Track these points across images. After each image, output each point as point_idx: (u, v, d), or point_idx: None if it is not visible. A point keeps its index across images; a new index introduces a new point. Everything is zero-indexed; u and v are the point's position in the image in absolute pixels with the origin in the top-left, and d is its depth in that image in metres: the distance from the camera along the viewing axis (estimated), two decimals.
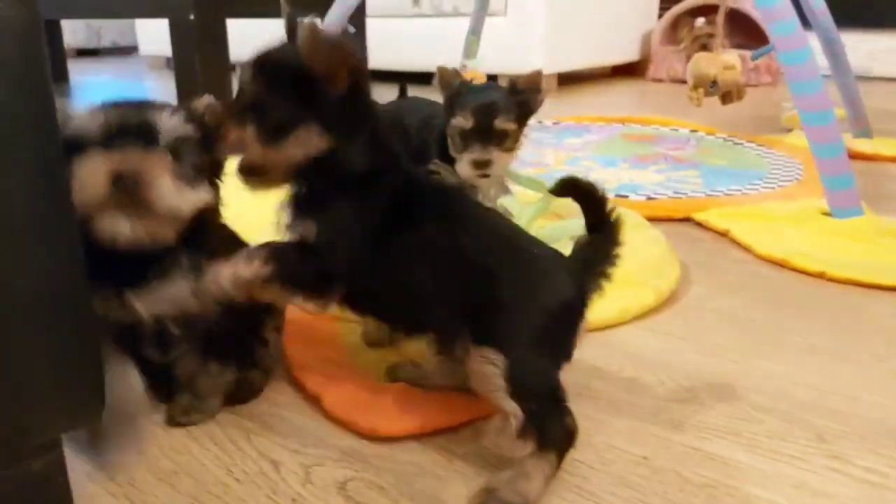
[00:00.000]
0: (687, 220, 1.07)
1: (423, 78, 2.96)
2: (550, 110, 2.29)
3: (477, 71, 1.93)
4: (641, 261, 0.80)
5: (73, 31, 4.86)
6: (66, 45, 4.89)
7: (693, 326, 0.73)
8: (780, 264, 0.89)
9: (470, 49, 1.93)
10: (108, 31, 4.99)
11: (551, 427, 0.48)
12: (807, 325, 0.73)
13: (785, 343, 0.70)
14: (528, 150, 1.55)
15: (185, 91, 1.84)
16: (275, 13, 2.01)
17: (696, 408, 0.58)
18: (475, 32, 1.92)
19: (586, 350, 0.67)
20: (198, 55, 1.75)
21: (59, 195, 0.41)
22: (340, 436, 0.55)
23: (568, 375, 0.50)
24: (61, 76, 3.19)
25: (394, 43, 2.94)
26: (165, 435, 0.55)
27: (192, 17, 1.70)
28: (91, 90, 3.01)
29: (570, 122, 1.94)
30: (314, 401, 0.59)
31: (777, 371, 0.64)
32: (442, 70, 0.90)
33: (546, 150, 1.56)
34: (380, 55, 2.92)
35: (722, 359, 0.66)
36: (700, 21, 3.07)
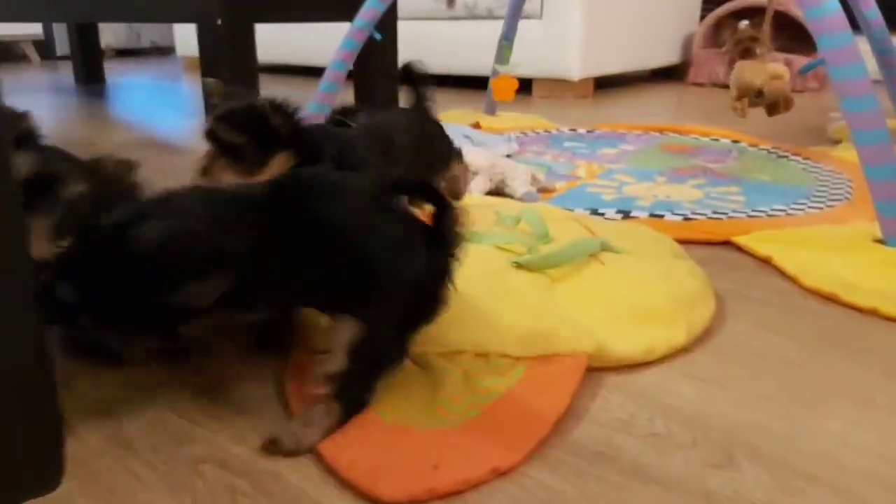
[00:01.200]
0: (726, 243, 1.01)
1: (457, 81, 2.92)
2: (585, 116, 2.22)
3: (509, 77, 1.88)
4: (673, 294, 0.74)
5: (114, 33, 4.93)
6: (106, 46, 4.95)
7: (731, 371, 0.67)
8: (829, 298, 0.82)
9: (502, 55, 1.87)
10: (147, 32, 5.06)
11: (355, 388, 0.55)
12: (859, 373, 0.67)
13: (835, 394, 0.63)
14: (560, 161, 1.49)
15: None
16: (301, 18, 1.96)
17: (732, 475, 0.52)
18: (508, 38, 1.86)
19: (612, 396, 0.62)
20: (225, 60, 1.72)
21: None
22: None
23: (591, 428, 0.45)
24: (97, 77, 3.21)
25: (426, 46, 2.89)
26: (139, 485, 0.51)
27: (219, 22, 1.67)
28: (127, 91, 3.01)
29: (605, 130, 1.87)
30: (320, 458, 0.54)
31: (827, 429, 0.58)
32: None
33: (579, 161, 1.50)
34: (412, 58, 2.88)
35: (764, 412, 0.60)
36: (744, 23, 2.97)
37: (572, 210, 1.12)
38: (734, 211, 1.12)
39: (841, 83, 0.93)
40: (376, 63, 1.98)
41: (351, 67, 1.37)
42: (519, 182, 1.19)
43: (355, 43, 1.35)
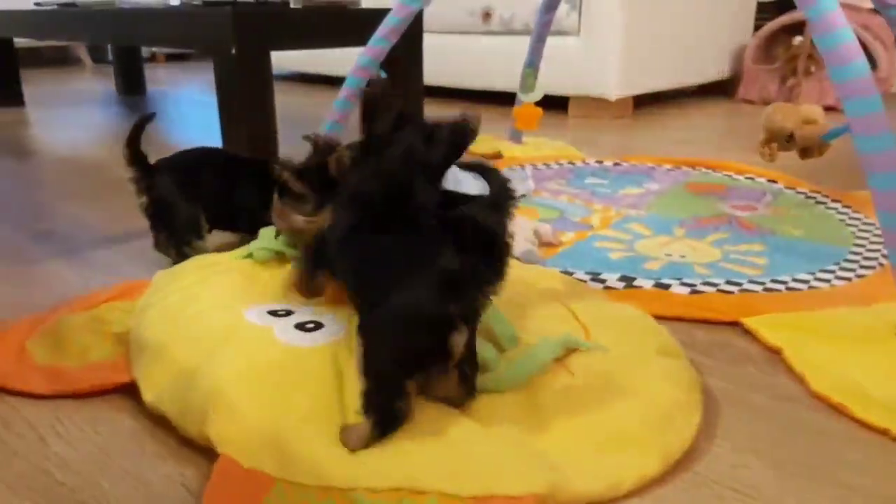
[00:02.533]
0: (735, 323, 0.92)
1: (491, 98, 2.84)
2: (619, 142, 2.12)
3: (533, 106, 1.80)
4: (647, 408, 0.66)
5: None
6: (157, 51, 5.01)
7: None
8: (837, 409, 0.73)
9: (526, 82, 1.79)
10: None
11: (374, 403, 0.61)
12: None
13: None
14: (577, 203, 1.41)
15: (227, 120, 1.79)
16: (315, 44, 1.90)
17: None
18: (532, 65, 1.78)
19: None
20: (240, 87, 1.69)
21: None
22: None
23: None
24: (137, 89, 3.24)
25: (460, 61, 2.82)
26: None
27: (233, 51, 1.64)
28: (166, 103, 3.03)
29: (632, 164, 1.77)
30: None
31: None
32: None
33: (596, 205, 1.42)
34: (446, 73, 2.82)
35: None
36: (798, 39, 2.82)
37: (572, 273, 1.05)
38: (751, 281, 1.03)
39: (868, 156, 0.83)
40: (401, 79, 1.92)
41: (355, 105, 1.31)
42: (518, 238, 1.12)
43: (359, 81, 1.29)
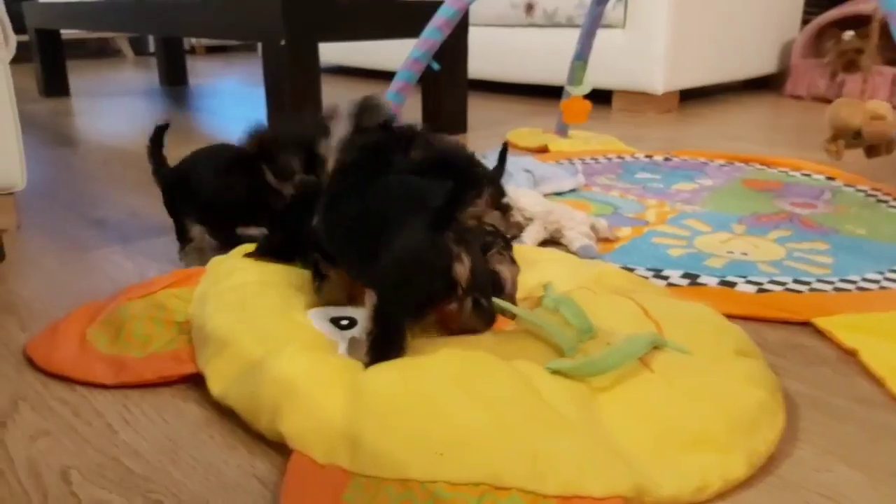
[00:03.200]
0: (806, 323, 0.89)
1: (533, 91, 2.81)
2: (666, 136, 2.09)
3: (582, 99, 1.77)
4: (731, 413, 0.63)
5: None
6: (197, 43, 5.06)
7: None
8: None
9: (575, 75, 1.77)
10: None
11: (376, 342, 0.66)
12: None
13: None
14: (629, 198, 1.38)
15: (275, 111, 1.79)
16: (365, 35, 1.90)
17: None
18: (581, 58, 1.76)
19: None
20: (288, 78, 1.69)
21: None
22: None
23: None
24: (180, 80, 3.27)
25: (502, 54, 2.80)
26: None
27: (283, 42, 1.64)
28: (208, 95, 3.05)
29: (683, 158, 1.74)
30: None
31: None
32: None
33: (649, 200, 1.39)
34: (489, 66, 2.79)
35: None
36: (849, 34, 2.74)
37: (633, 269, 1.02)
38: (819, 280, 1.00)
39: None
40: (445, 72, 1.91)
41: (406, 98, 1.30)
42: (575, 233, 1.10)
43: (412, 74, 1.28)
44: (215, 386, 0.69)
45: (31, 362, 0.79)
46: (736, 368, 0.68)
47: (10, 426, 0.68)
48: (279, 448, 0.63)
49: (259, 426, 0.65)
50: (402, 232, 0.64)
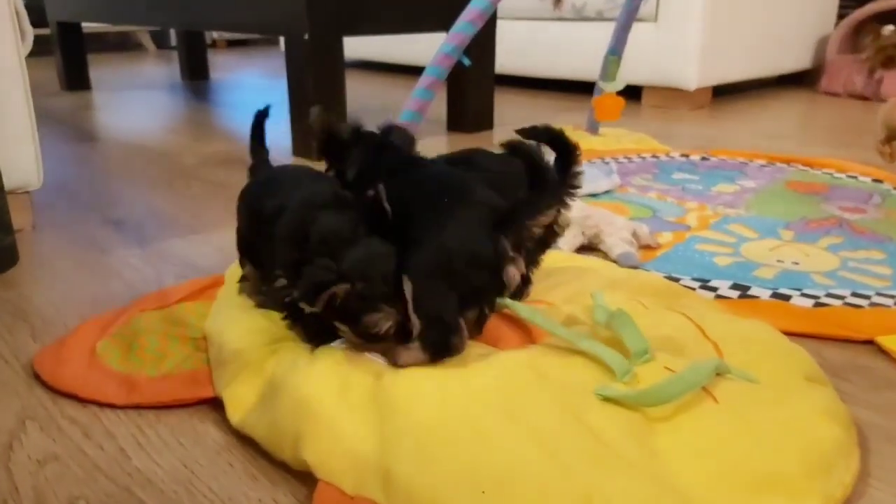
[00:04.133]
0: (869, 342, 0.82)
1: (562, 86, 2.74)
2: (700, 134, 2.01)
3: (615, 96, 1.70)
4: (806, 452, 0.57)
5: None
6: (218, 37, 5.04)
7: None
8: None
9: (608, 70, 1.70)
10: None
11: (431, 336, 0.62)
12: None
13: None
14: (668, 200, 1.32)
15: (297, 105, 1.74)
16: (392, 29, 1.84)
17: None
18: (615, 52, 1.69)
19: None
20: (310, 73, 1.64)
21: None
22: None
23: None
24: (202, 74, 3.24)
25: (530, 48, 2.73)
26: None
27: (306, 36, 1.59)
28: (229, 89, 3.02)
29: (721, 158, 1.67)
30: None
31: None
32: None
33: (689, 202, 1.32)
34: (516, 60, 2.73)
35: None
36: (889, 29, 2.64)
37: (678, 279, 0.96)
38: (878, 293, 0.93)
39: None
40: (472, 67, 1.85)
41: (436, 95, 1.24)
42: (615, 239, 1.04)
43: (442, 70, 1.22)
44: (235, 414, 0.64)
45: (37, 377, 0.74)
46: (809, 399, 0.62)
47: (16, 449, 0.64)
48: (304, 478, 0.58)
49: (282, 455, 0.60)
50: (453, 223, 0.64)
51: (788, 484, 0.54)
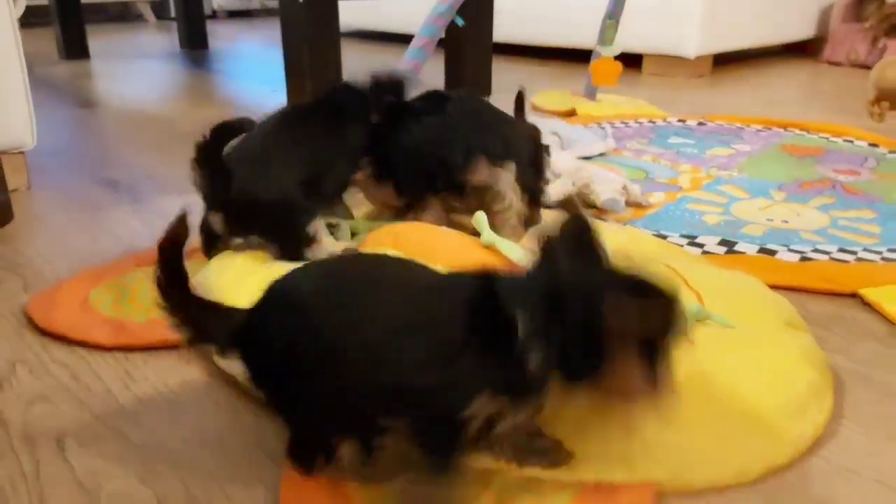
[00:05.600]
0: (853, 295, 0.83)
1: (561, 54, 2.72)
2: (699, 101, 2.00)
3: (612, 60, 1.70)
4: (783, 391, 0.58)
5: None
6: (218, 7, 5.01)
7: None
8: None
9: (606, 35, 1.69)
10: None
11: None
12: None
13: None
14: (662, 163, 1.32)
15: (292, 74, 1.74)
16: None
17: None
18: (613, 16, 1.68)
19: None
20: (306, 39, 1.64)
21: None
22: None
23: None
24: (201, 43, 3.22)
25: (528, 13, 2.71)
26: None
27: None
28: (229, 58, 3.00)
29: (718, 123, 1.66)
30: None
31: None
32: None
33: (683, 165, 1.32)
34: (513, 28, 2.71)
35: None
36: None
37: (666, 236, 0.97)
38: (866, 249, 0.93)
39: None
40: (469, 32, 1.84)
41: (430, 56, 1.24)
42: (604, 187, 1.04)
43: (435, 30, 1.21)
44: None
45: (31, 322, 0.75)
46: (786, 343, 0.62)
47: (6, 389, 0.65)
48: None
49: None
50: None
51: (764, 427, 0.55)
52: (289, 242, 0.77)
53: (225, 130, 0.75)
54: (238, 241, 0.80)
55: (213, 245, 0.80)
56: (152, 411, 0.62)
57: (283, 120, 0.84)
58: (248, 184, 0.75)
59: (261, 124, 0.81)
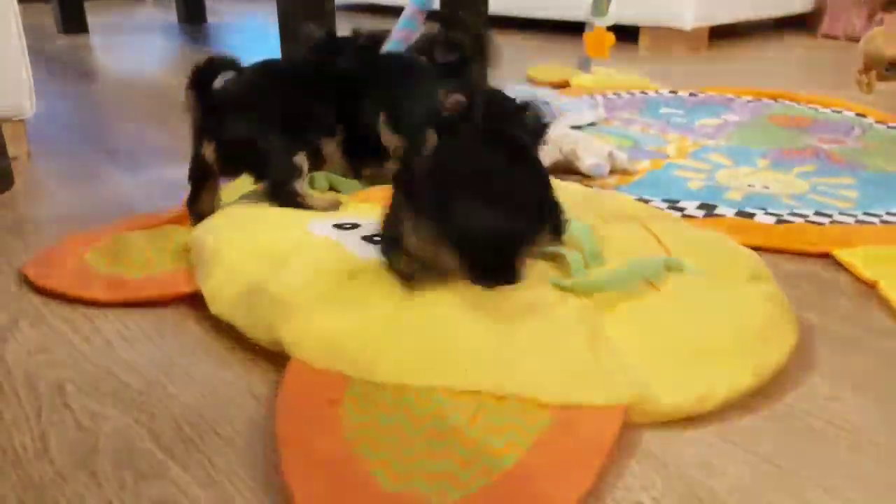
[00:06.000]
0: (826, 255, 0.85)
1: (555, 28, 2.72)
2: (695, 74, 2.02)
3: (605, 31, 1.71)
4: (740, 325, 0.61)
5: None
6: None
7: (796, 447, 0.54)
8: None
9: (599, 5, 1.70)
10: None
11: None
12: None
13: None
14: (650, 133, 1.34)
15: (287, 48, 1.75)
16: None
17: None
18: None
19: (640, 469, 0.51)
20: (301, 10, 1.65)
21: None
22: None
23: None
24: (198, 18, 3.22)
25: None
26: None
27: None
28: (228, 31, 3.01)
29: (709, 94, 1.68)
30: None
31: None
32: None
33: (671, 134, 1.34)
34: (511, 1, 2.71)
35: None
36: None
37: (648, 201, 0.99)
38: (841, 213, 0.96)
39: None
40: (464, 5, 1.85)
41: (420, 25, 1.25)
42: (589, 153, 1.06)
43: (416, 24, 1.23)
44: (214, 304, 0.68)
45: (27, 280, 0.78)
46: (748, 289, 0.66)
47: (9, 341, 0.68)
48: (276, 363, 0.62)
49: (259, 339, 0.64)
50: None
51: (721, 351, 0.59)
52: (278, 175, 0.81)
53: (217, 64, 0.80)
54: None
55: (204, 181, 0.84)
56: (148, 360, 0.65)
57: (272, 69, 0.90)
58: (239, 119, 0.79)
59: (250, 69, 0.88)
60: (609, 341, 0.59)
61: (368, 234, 0.73)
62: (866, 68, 1.31)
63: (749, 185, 1.06)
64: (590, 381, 0.54)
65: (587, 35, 1.73)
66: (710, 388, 0.56)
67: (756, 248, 0.84)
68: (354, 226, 0.75)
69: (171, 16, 3.53)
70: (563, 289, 0.64)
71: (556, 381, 0.55)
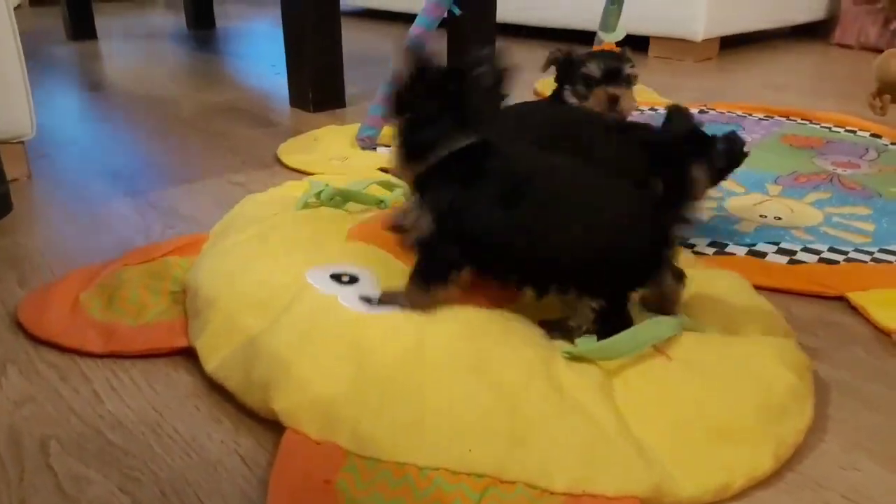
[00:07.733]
0: (840, 298, 0.83)
1: (561, 36, 2.69)
2: (705, 86, 1.99)
3: (614, 47, 1.67)
4: (761, 401, 0.58)
5: None
6: None
7: None
8: None
9: (608, 21, 1.67)
10: None
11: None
12: None
13: None
14: None
15: (292, 53, 1.74)
16: None
17: None
18: (616, 1, 1.65)
19: None
20: (307, 15, 1.64)
21: None
22: None
23: None
24: (207, 23, 3.21)
25: None
26: None
27: None
28: (237, 36, 3.00)
29: (720, 111, 1.65)
30: None
31: None
32: None
33: None
34: (514, 9, 2.68)
35: None
36: None
37: None
38: (857, 249, 0.93)
39: None
40: (472, 15, 1.82)
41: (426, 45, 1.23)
42: None
43: (431, 20, 1.21)
44: (209, 362, 0.66)
45: (19, 323, 0.77)
46: (763, 348, 0.63)
47: None
48: (266, 424, 0.60)
49: (252, 404, 0.61)
50: None
51: (742, 432, 0.56)
52: None
53: None
54: None
55: None
56: (136, 414, 0.63)
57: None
58: None
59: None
60: (623, 417, 0.56)
61: (367, 294, 0.69)
62: (880, 92, 1.28)
63: (761, 216, 1.03)
64: (603, 468, 0.51)
65: (595, 50, 1.69)
66: (730, 477, 0.53)
67: (769, 289, 0.82)
68: (353, 279, 0.72)
69: (181, 21, 3.52)
70: (570, 354, 0.61)
71: (566, 466, 0.52)
